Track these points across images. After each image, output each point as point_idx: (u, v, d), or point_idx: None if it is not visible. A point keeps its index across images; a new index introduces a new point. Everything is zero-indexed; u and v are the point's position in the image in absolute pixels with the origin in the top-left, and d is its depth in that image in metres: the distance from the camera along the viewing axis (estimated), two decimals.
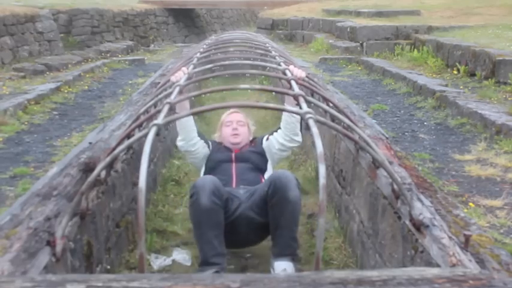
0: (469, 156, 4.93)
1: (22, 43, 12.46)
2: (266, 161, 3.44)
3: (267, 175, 3.34)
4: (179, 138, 3.44)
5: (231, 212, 2.96)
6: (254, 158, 3.40)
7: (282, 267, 2.88)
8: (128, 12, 18.68)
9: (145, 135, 1.86)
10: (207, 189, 2.81)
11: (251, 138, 3.60)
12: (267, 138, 3.52)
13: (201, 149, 3.45)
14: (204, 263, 2.86)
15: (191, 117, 3.36)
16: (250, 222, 3.00)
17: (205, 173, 3.38)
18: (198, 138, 3.44)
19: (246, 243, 3.24)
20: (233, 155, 3.42)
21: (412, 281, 1.26)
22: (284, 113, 3.37)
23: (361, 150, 3.09)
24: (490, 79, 7.56)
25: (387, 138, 3.43)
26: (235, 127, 3.50)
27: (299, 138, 3.41)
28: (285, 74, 2.99)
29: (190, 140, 3.40)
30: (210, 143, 3.53)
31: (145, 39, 18.90)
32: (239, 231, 3.01)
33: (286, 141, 3.38)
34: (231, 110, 3.61)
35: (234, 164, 3.35)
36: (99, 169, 2.11)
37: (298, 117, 3.29)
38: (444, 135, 5.75)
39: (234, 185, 3.20)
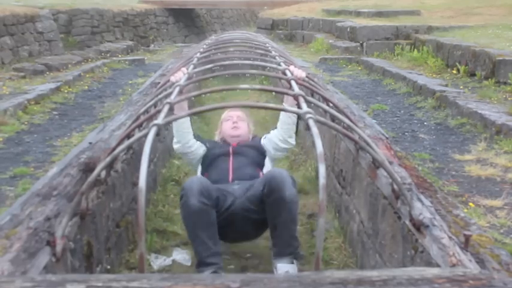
0: (469, 156, 4.93)
1: (22, 43, 12.45)
2: (264, 157, 3.46)
3: (265, 170, 3.35)
4: (175, 140, 3.45)
5: (224, 208, 2.95)
6: (252, 153, 3.41)
7: (285, 269, 2.86)
8: (128, 12, 18.68)
9: (145, 135, 1.86)
10: (195, 190, 2.80)
11: (251, 137, 3.63)
12: (265, 137, 3.56)
13: (198, 150, 3.46)
14: (200, 264, 2.86)
15: (188, 119, 3.37)
16: (246, 218, 2.98)
17: (202, 171, 3.39)
18: (194, 140, 3.46)
19: (245, 238, 3.22)
20: (230, 148, 3.43)
21: (412, 281, 1.26)
22: (282, 113, 3.40)
23: (361, 150, 3.09)
24: (490, 79, 7.55)
25: (387, 138, 3.42)
26: (235, 121, 3.56)
27: (293, 141, 3.44)
28: (285, 74, 2.99)
29: (186, 142, 3.41)
30: (206, 143, 3.55)
31: (145, 39, 18.90)
32: (236, 226, 3.00)
33: (280, 141, 3.40)
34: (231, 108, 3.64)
35: (231, 158, 3.35)
36: (99, 169, 2.11)
37: (295, 118, 3.32)
38: (444, 135, 5.75)
39: (230, 179, 3.19)
